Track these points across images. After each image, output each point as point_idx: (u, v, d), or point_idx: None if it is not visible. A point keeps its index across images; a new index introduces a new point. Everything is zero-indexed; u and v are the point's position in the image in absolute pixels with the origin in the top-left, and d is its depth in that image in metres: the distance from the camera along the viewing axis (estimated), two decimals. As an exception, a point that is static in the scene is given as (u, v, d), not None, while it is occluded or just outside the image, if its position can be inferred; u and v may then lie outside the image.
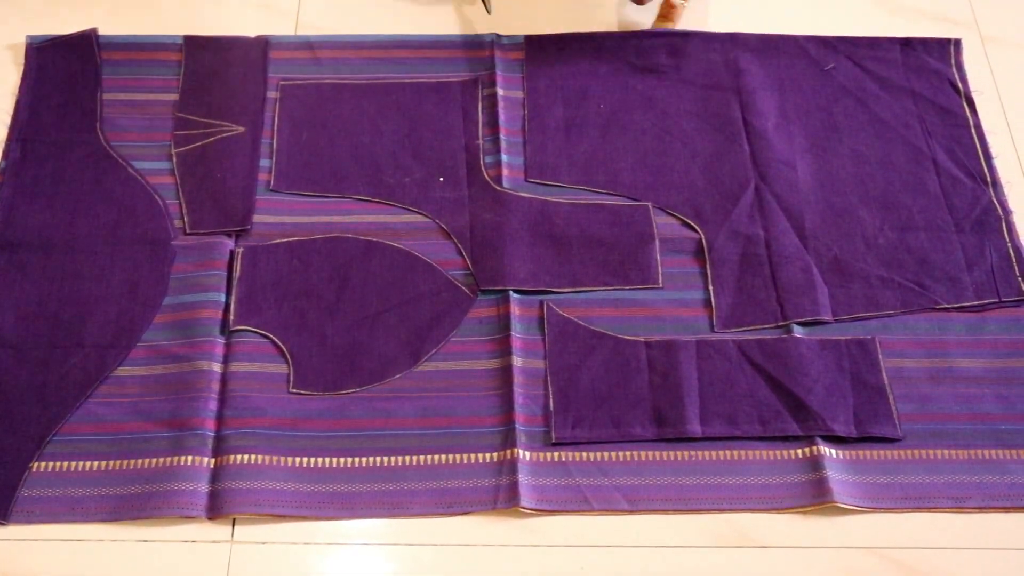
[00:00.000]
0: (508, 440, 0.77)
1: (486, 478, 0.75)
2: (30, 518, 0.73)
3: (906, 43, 0.99)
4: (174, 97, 0.94)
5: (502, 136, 0.92)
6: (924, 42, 0.99)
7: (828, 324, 0.83)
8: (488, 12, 0.97)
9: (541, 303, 0.83)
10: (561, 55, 0.98)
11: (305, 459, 0.76)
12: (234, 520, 0.74)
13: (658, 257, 0.86)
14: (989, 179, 0.91)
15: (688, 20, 1.00)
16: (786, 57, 0.98)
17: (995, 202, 0.90)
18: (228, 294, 0.83)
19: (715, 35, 0.99)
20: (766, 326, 0.83)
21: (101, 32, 0.98)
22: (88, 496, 0.74)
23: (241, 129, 0.92)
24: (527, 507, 0.74)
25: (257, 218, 0.87)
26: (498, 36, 0.98)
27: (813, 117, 0.95)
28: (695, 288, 0.85)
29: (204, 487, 0.74)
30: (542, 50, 0.98)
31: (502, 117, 0.93)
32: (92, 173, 0.89)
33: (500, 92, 0.95)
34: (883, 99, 0.96)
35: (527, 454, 0.76)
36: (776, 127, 0.94)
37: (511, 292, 0.83)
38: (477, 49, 0.98)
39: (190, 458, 0.75)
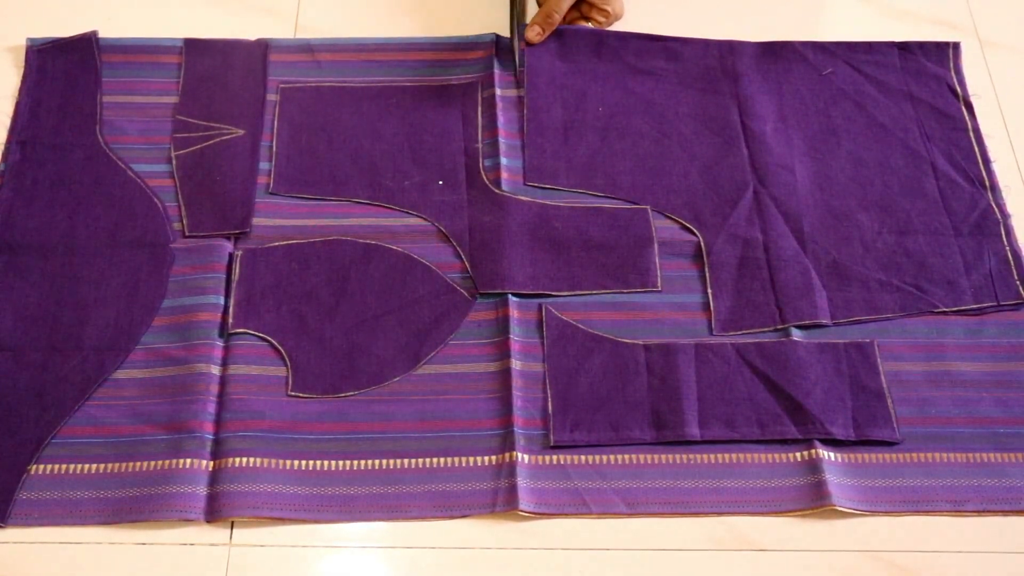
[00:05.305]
0: (507, 443, 0.77)
1: (485, 481, 0.75)
2: (28, 521, 0.73)
3: (904, 47, 1.00)
4: (174, 100, 0.94)
5: (501, 139, 0.92)
6: (922, 46, 1.00)
7: (827, 327, 0.83)
8: (519, 67, 0.96)
9: (540, 306, 0.83)
10: (561, 51, 0.98)
11: (304, 462, 0.76)
12: (232, 523, 0.73)
13: (657, 260, 0.86)
14: (988, 183, 0.91)
15: (685, 26, 1.00)
16: (784, 62, 0.98)
17: (993, 206, 0.90)
18: (227, 297, 0.83)
19: (712, 41, 0.99)
20: (765, 329, 0.83)
21: (101, 35, 0.98)
22: (86, 499, 0.74)
23: (241, 132, 0.92)
24: (526, 510, 0.74)
25: (256, 221, 0.87)
26: (497, 36, 0.99)
27: (811, 121, 0.95)
28: (694, 291, 0.85)
29: (202, 490, 0.74)
30: (542, 44, 0.98)
31: (501, 119, 0.94)
32: (91, 175, 0.89)
33: (499, 92, 0.95)
34: (881, 103, 0.96)
35: (526, 457, 0.76)
36: (774, 131, 0.94)
37: (510, 295, 0.83)
38: (477, 50, 0.98)
39: (188, 461, 0.75)
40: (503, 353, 0.81)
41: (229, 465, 0.75)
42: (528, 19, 0.99)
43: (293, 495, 0.74)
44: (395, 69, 0.97)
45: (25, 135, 0.91)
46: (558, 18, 0.97)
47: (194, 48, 0.97)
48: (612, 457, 0.77)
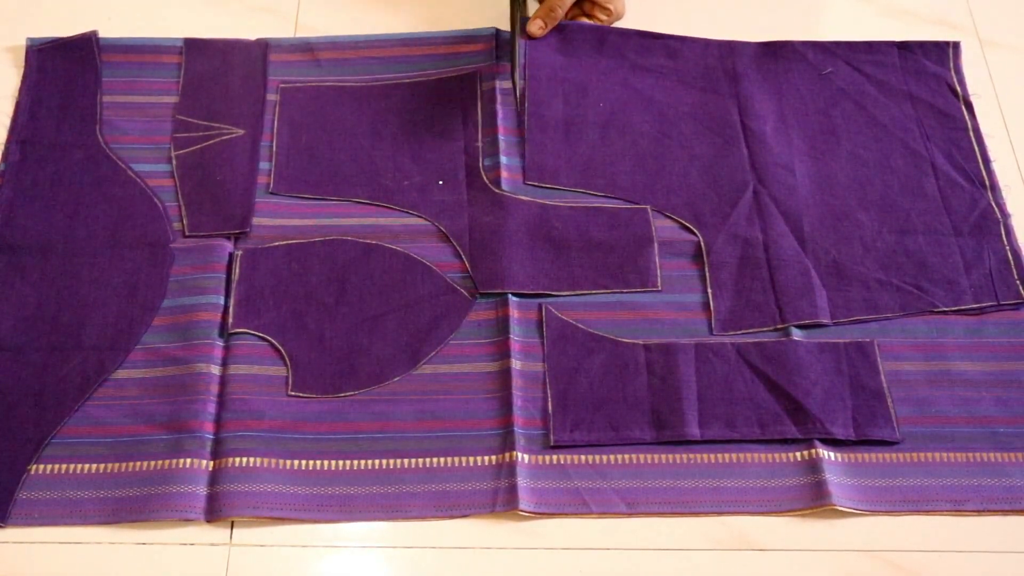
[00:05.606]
0: (507, 443, 0.77)
1: (485, 481, 0.75)
2: (28, 520, 0.73)
3: (904, 46, 0.99)
4: (174, 99, 0.94)
5: (500, 137, 0.92)
6: (922, 45, 1.00)
7: (827, 327, 0.83)
8: (519, 102, 0.94)
9: (540, 306, 0.83)
10: (562, 45, 0.98)
11: (304, 462, 0.76)
12: (232, 523, 0.74)
13: (657, 260, 0.86)
14: (988, 183, 0.91)
15: (685, 26, 1.00)
16: (784, 62, 0.98)
17: (993, 206, 0.90)
18: (227, 297, 0.83)
19: (712, 41, 0.99)
20: (765, 329, 0.83)
21: (101, 35, 0.98)
22: (86, 498, 0.74)
23: (241, 131, 0.92)
24: (526, 510, 0.74)
25: (256, 221, 0.87)
26: (497, 30, 0.99)
27: (811, 120, 0.95)
28: (694, 291, 0.85)
29: (202, 490, 0.74)
30: (543, 39, 0.98)
31: (500, 115, 0.93)
32: (91, 175, 0.89)
33: (498, 85, 0.95)
34: (881, 102, 0.96)
35: (526, 457, 0.76)
36: (774, 130, 0.94)
37: (510, 295, 0.83)
38: (476, 43, 0.98)
39: (189, 461, 0.75)
40: (503, 353, 0.81)
41: (229, 465, 0.75)
42: (528, 16, 0.99)
43: (293, 495, 0.74)
44: (395, 65, 0.97)
45: (25, 135, 0.91)
46: (561, 13, 0.97)
47: (194, 48, 0.97)
48: (612, 457, 0.77)
